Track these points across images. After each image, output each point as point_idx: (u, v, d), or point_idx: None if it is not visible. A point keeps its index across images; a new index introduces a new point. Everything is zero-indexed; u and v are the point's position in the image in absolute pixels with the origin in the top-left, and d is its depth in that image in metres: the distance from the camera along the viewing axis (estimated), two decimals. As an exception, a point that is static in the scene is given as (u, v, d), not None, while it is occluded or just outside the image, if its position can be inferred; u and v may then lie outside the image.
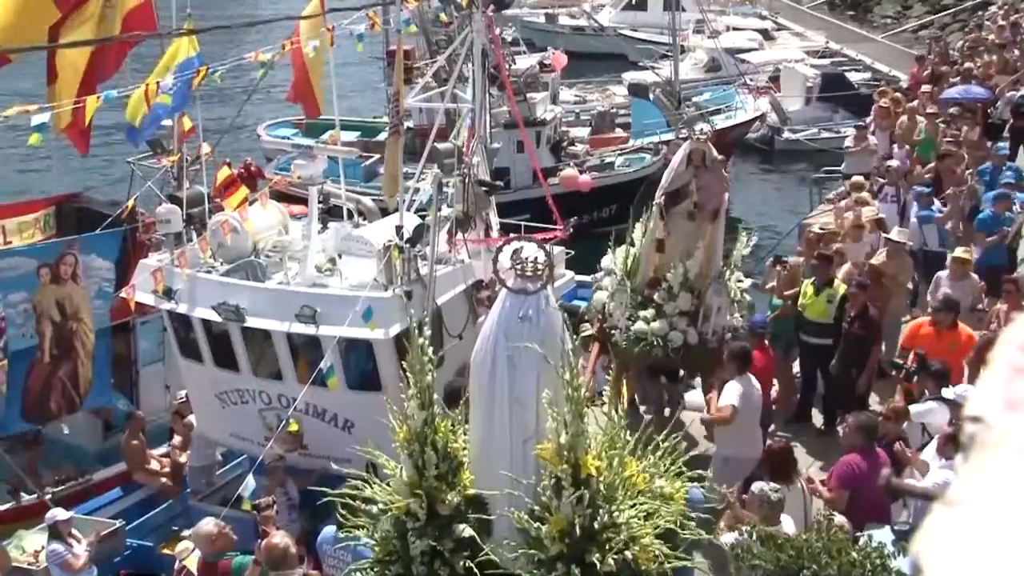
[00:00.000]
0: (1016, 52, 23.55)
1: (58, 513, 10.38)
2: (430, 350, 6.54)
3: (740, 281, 11.41)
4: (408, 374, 6.45)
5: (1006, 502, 1.16)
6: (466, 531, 6.25)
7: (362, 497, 6.53)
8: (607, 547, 5.99)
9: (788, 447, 8.60)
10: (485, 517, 6.40)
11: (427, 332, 6.55)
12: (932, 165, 17.17)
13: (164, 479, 12.69)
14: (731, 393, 9.44)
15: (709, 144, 10.55)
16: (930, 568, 1.15)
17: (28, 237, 13.87)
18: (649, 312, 10.47)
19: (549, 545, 5.96)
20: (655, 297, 10.51)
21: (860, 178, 16.50)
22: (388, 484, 6.55)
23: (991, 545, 1.14)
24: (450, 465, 6.42)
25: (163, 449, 13.09)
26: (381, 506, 6.47)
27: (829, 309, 11.66)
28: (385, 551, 6.44)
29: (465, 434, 6.73)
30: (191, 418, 12.71)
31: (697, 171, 10.32)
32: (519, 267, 6.38)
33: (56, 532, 10.23)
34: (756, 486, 8.02)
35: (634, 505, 6.26)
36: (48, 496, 12.20)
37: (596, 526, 5.97)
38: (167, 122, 13.28)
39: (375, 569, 6.57)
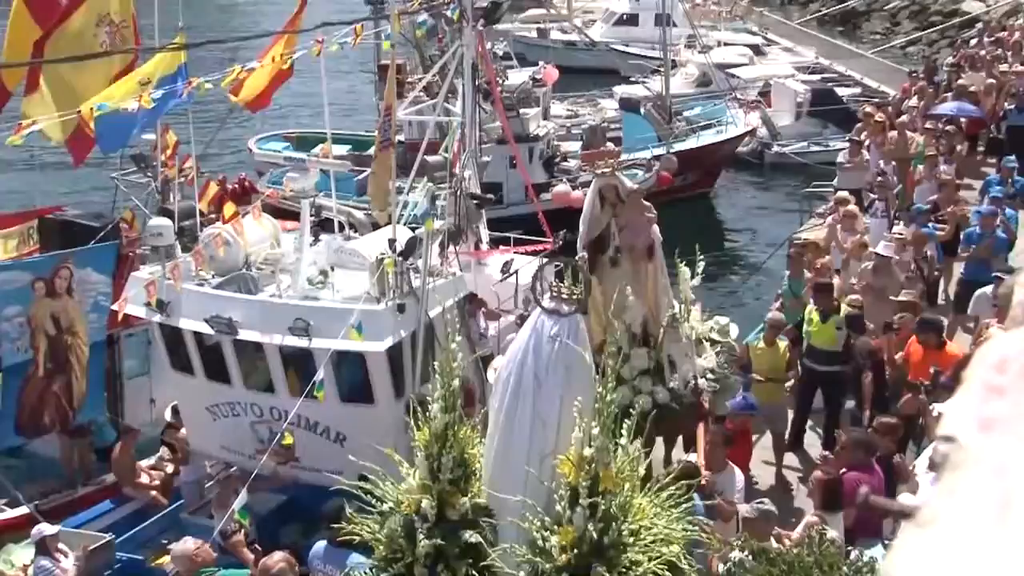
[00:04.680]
0: (1006, 66, 23.71)
1: (44, 528, 10.29)
2: (460, 356, 6.66)
3: (722, 325, 10.91)
4: (437, 376, 6.50)
5: (979, 523, 1.16)
6: (473, 537, 6.28)
7: (374, 494, 6.57)
8: (613, 564, 6.02)
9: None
10: (493, 521, 6.45)
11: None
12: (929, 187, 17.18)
13: (154, 492, 12.64)
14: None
15: (618, 176, 9.55)
16: None
17: (11, 250, 13.85)
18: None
19: (557, 555, 5.98)
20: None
21: (844, 193, 16.60)
22: (399, 484, 6.61)
23: (962, 566, 1.13)
24: (464, 471, 6.47)
25: (150, 461, 13.04)
26: (391, 504, 6.51)
27: (839, 336, 11.62)
28: (389, 549, 6.46)
29: (482, 444, 6.78)
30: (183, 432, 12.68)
31: (615, 209, 9.36)
32: (555, 289, 6.53)
33: (43, 547, 10.17)
34: (750, 507, 8.03)
35: (638, 530, 6.29)
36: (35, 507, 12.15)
37: (606, 541, 6.00)
38: (150, 136, 13.29)
39: (377, 565, 6.59)
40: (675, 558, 6.26)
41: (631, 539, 6.15)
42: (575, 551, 5.98)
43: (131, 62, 13.93)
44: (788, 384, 11.97)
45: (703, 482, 8.75)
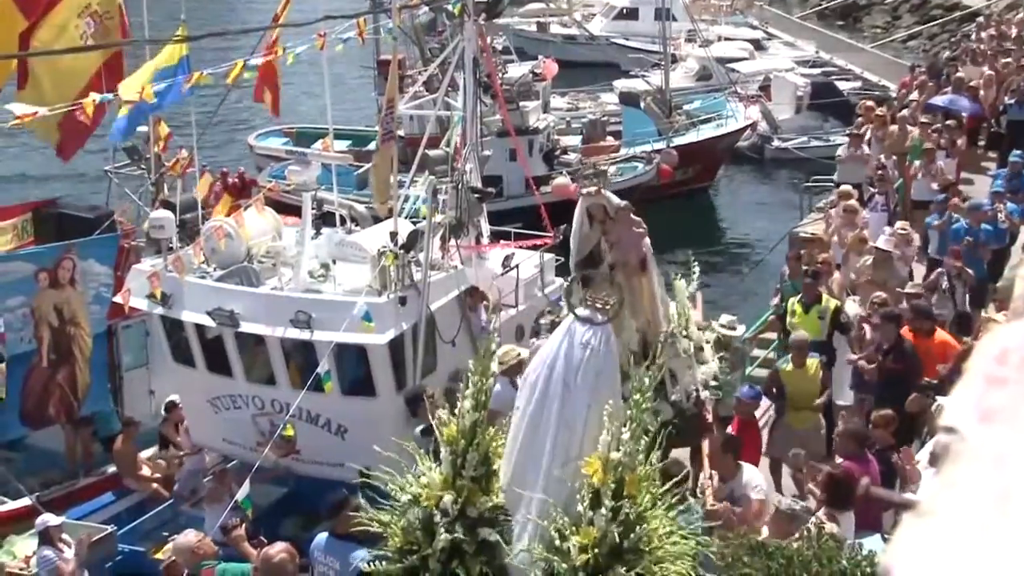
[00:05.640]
0: (1009, 59, 23.70)
1: (49, 518, 10.32)
2: (497, 356, 6.69)
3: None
4: (470, 373, 6.58)
5: (979, 515, 1.15)
6: (492, 535, 6.32)
7: (395, 485, 6.60)
8: (631, 567, 6.07)
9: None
10: (510, 517, 6.49)
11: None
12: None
13: (155, 484, 12.68)
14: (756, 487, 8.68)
15: (604, 194, 9.35)
16: None
17: (5, 243, 13.86)
18: None
19: (575, 555, 6.03)
20: None
21: (848, 187, 16.60)
22: (419, 478, 6.64)
23: (962, 558, 1.13)
24: (486, 470, 6.52)
25: (149, 453, 13.07)
26: (411, 496, 6.54)
27: (821, 326, 11.66)
28: (405, 540, 6.49)
29: (503, 445, 6.83)
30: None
31: (604, 226, 9.24)
32: (591, 299, 6.66)
33: (47, 538, 10.20)
34: (789, 502, 8.03)
35: (653, 539, 6.33)
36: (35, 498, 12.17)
37: (626, 544, 6.05)
38: (142, 128, 13.31)
39: (390, 557, 6.61)
40: (686, 572, 6.31)
41: (648, 547, 6.20)
42: (595, 551, 6.02)
43: (115, 55, 13.96)
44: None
45: (710, 502, 8.62)
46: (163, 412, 13.16)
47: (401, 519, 6.51)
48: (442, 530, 6.30)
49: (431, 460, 6.67)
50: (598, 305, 6.64)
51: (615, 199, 9.59)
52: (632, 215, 9.54)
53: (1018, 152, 17.39)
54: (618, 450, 6.04)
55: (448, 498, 6.33)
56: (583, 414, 6.38)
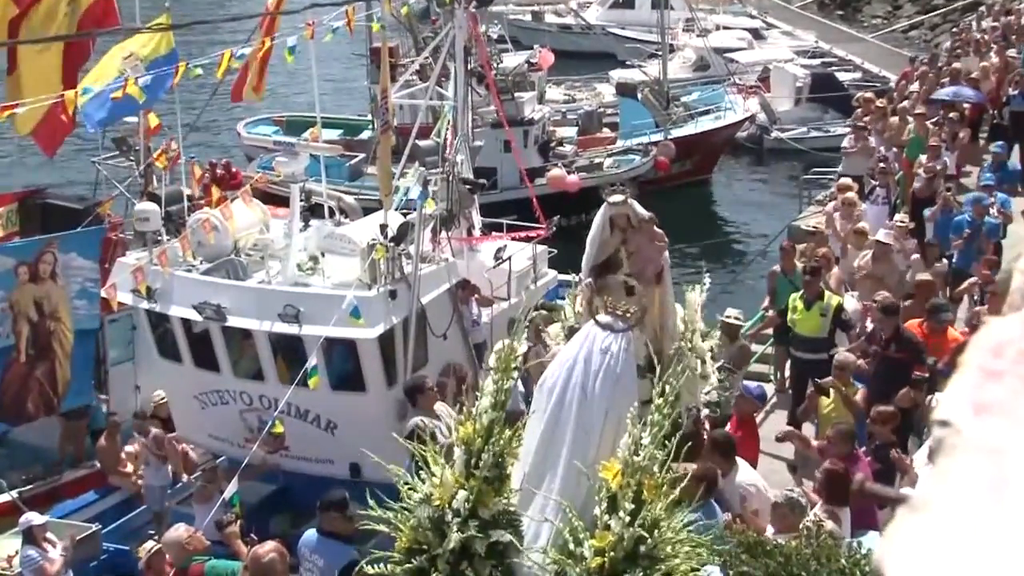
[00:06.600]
0: (1013, 51, 23.55)
1: (33, 517, 10.16)
2: (520, 358, 6.64)
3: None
4: (493, 372, 6.52)
5: (974, 507, 1.15)
6: (504, 536, 6.25)
7: (406, 483, 6.49)
8: (645, 572, 6.00)
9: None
10: (525, 515, 6.40)
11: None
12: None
13: (139, 482, 12.50)
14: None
15: (630, 203, 9.05)
16: (892, 573, 1.15)
17: None
18: None
19: (589, 558, 5.95)
20: None
21: (847, 180, 16.47)
22: (432, 476, 6.53)
23: (957, 550, 1.13)
24: (500, 472, 6.46)
25: (131, 448, 12.89)
26: (422, 495, 6.43)
27: (823, 323, 11.52)
28: (413, 540, 6.38)
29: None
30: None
31: (624, 234, 9.00)
32: (612, 305, 6.73)
33: (31, 537, 10.05)
34: (783, 495, 7.93)
35: (667, 548, 6.23)
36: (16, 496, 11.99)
37: (642, 549, 5.99)
38: (131, 119, 13.12)
39: (395, 558, 6.48)
40: None
41: (663, 554, 6.11)
42: (611, 554, 5.94)
43: (71, 47, 13.84)
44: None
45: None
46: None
47: (411, 518, 6.40)
48: (454, 529, 6.20)
49: (444, 459, 6.56)
50: (619, 312, 6.67)
51: (641, 210, 9.55)
52: (656, 227, 9.53)
53: (999, 143, 17.29)
54: (638, 454, 5.98)
55: (462, 496, 6.24)
56: (600, 420, 6.38)
